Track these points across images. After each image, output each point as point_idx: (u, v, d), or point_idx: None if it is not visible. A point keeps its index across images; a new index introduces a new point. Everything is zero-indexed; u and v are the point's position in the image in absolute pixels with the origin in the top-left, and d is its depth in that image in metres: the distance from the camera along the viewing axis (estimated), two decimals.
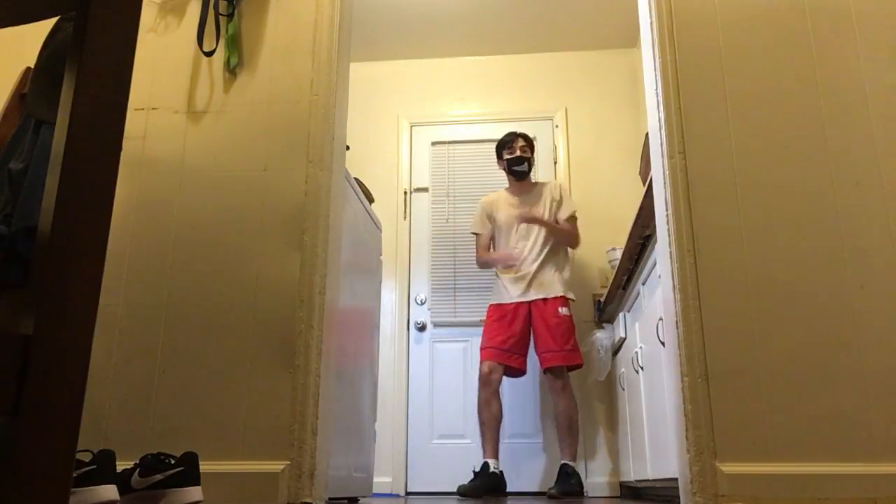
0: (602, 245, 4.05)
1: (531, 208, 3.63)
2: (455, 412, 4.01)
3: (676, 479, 1.80)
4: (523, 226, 3.59)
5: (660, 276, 2.07)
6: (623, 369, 3.41)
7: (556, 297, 3.51)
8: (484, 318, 3.68)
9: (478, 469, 3.37)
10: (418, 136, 4.59)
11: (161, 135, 2.17)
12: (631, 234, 2.83)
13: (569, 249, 3.70)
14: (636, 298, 3.04)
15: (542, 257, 3.55)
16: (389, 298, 4.12)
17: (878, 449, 1.64)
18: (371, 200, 3.14)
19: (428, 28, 4.38)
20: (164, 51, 2.27)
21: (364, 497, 2.77)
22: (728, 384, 1.71)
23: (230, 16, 2.25)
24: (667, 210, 1.88)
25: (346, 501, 2.49)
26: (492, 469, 3.34)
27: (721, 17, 1.99)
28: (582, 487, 3.37)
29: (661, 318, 2.13)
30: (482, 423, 3.43)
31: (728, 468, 1.65)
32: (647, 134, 2.32)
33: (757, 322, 1.75)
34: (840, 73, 1.91)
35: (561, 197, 3.70)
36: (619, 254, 3.26)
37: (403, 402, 4.08)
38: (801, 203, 1.83)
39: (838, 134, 1.87)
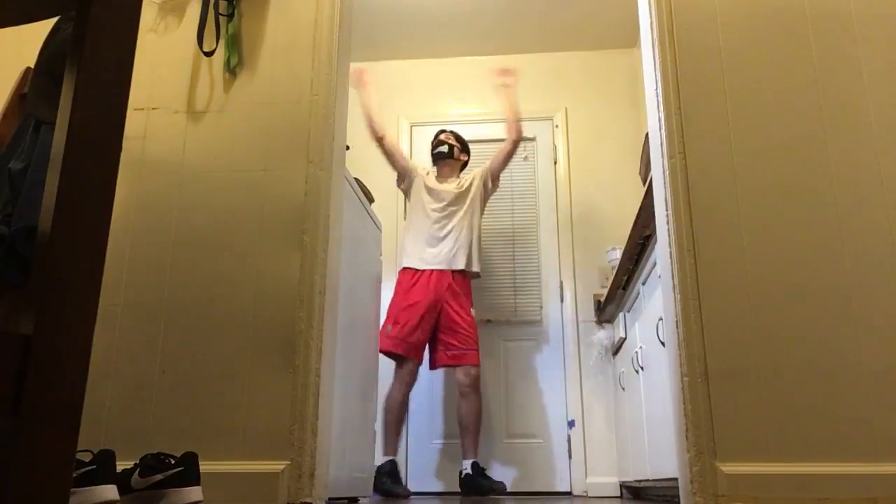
0: (602, 245, 4.05)
1: (448, 187, 3.70)
2: (454, 412, 4.00)
3: (676, 479, 1.80)
4: (439, 200, 3.66)
5: (660, 276, 2.07)
6: (623, 369, 3.41)
7: (468, 274, 3.62)
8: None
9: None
10: (418, 136, 4.58)
11: (161, 135, 2.17)
12: (631, 234, 2.83)
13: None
14: (636, 298, 3.04)
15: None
16: (389, 298, 4.11)
17: (878, 449, 1.64)
18: (371, 200, 3.14)
19: (428, 28, 4.38)
20: (164, 51, 2.26)
21: (364, 497, 2.77)
22: (728, 384, 1.71)
23: (230, 16, 2.25)
24: (667, 210, 1.88)
25: (346, 501, 2.49)
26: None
27: (721, 17, 1.99)
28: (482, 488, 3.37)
29: (661, 318, 2.13)
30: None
31: (728, 468, 1.65)
32: (647, 134, 2.32)
33: (757, 322, 1.75)
34: (840, 73, 1.91)
35: (479, 169, 3.81)
36: (619, 254, 3.27)
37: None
38: (801, 203, 1.83)
39: (838, 134, 1.87)
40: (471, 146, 4.13)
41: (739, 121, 1.90)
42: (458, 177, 3.81)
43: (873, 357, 1.70)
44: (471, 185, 3.71)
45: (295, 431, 1.86)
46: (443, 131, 3.91)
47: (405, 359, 3.46)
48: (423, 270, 3.56)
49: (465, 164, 3.89)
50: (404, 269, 3.64)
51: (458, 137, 3.88)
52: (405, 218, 4.40)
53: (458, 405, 3.50)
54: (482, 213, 3.76)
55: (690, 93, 1.93)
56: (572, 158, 4.39)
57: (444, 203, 3.64)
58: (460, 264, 3.54)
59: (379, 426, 3.29)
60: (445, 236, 3.58)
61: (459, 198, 3.66)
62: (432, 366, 3.59)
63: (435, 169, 3.86)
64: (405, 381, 3.45)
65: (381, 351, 3.39)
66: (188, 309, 2.00)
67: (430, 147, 3.93)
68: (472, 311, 3.58)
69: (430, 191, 3.70)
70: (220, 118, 2.18)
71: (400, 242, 3.86)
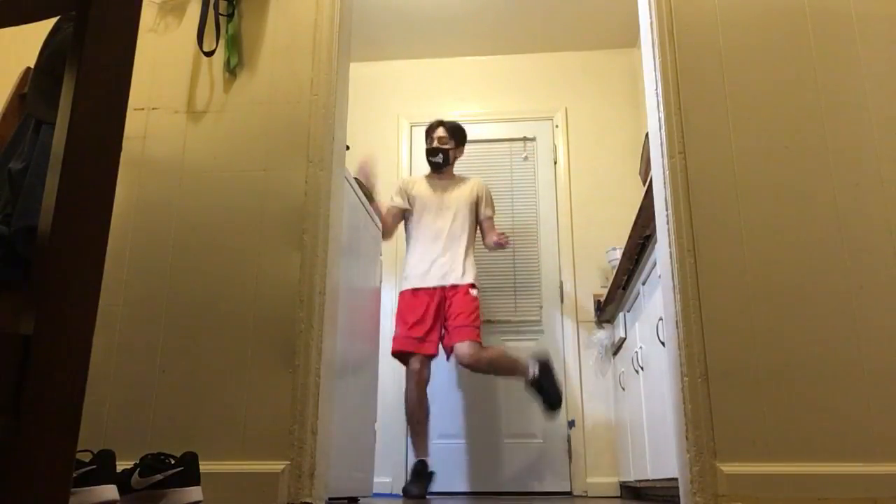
0: (602, 245, 4.05)
1: (445, 195, 3.63)
2: (454, 412, 4.01)
3: (676, 479, 1.80)
4: (437, 209, 3.59)
5: (660, 276, 2.07)
6: (623, 369, 3.41)
7: (467, 284, 3.50)
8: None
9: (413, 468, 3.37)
10: (418, 136, 4.58)
11: (161, 135, 2.17)
12: (631, 234, 2.83)
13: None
14: (636, 298, 3.04)
15: (454, 243, 3.54)
16: (389, 298, 4.12)
17: (878, 449, 1.64)
18: (371, 200, 3.14)
19: (428, 28, 4.38)
20: (164, 51, 2.26)
21: (364, 497, 2.77)
22: (728, 384, 1.71)
23: (230, 16, 2.25)
24: (667, 210, 1.88)
25: (346, 501, 2.49)
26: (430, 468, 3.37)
27: (721, 17, 1.99)
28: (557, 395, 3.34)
29: (661, 318, 2.13)
30: (418, 422, 3.39)
31: (728, 468, 1.65)
32: (647, 134, 2.32)
33: (757, 322, 1.75)
34: (840, 73, 1.91)
35: (486, 197, 3.71)
36: (619, 254, 3.27)
37: (403, 403, 4.07)
38: (801, 203, 1.83)
39: (838, 134, 1.87)
40: (471, 146, 4.12)
41: (739, 121, 1.90)
42: (454, 177, 3.72)
43: (873, 357, 1.70)
44: (476, 202, 3.66)
45: (295, 431, 1.86)
46: (439, 125, 3.73)
47: (410, 354, 3.39)
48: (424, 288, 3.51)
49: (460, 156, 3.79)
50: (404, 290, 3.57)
51: (452, 132, 3.71)
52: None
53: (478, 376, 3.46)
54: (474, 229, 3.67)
55: (690, 93, 1.93)
56: (572, 158, 4.39)
57: (443, 216, 3.59)
58: (453, 279, 3.48)
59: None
60: (443, 251, 3.52)
61: (455, 206, 3.61)
62: (447, 355, 3.48)
63: (424, 176, 3.78)
64: (413, 378, 3.37)
65: (392, 353, 3.43)
66: (188, 309, 2.00)
67: (425, 138, 3.78)
68: (473, 292, 3.47)
69: (426, 197, 3.63)
70: (220, 118, 2.18)
71: (402, 262, 3.73)
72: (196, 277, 2.02)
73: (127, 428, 1.91)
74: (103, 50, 0.58)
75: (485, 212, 3.68)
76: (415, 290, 3.50)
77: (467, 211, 3.61)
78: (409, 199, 3.66)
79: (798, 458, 1.65)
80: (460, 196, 3.63)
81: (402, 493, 3.30)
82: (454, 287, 3.47)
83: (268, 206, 2.06)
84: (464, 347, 3.35)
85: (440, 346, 3.46)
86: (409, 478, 3.41)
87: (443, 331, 3.47)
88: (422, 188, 3.68)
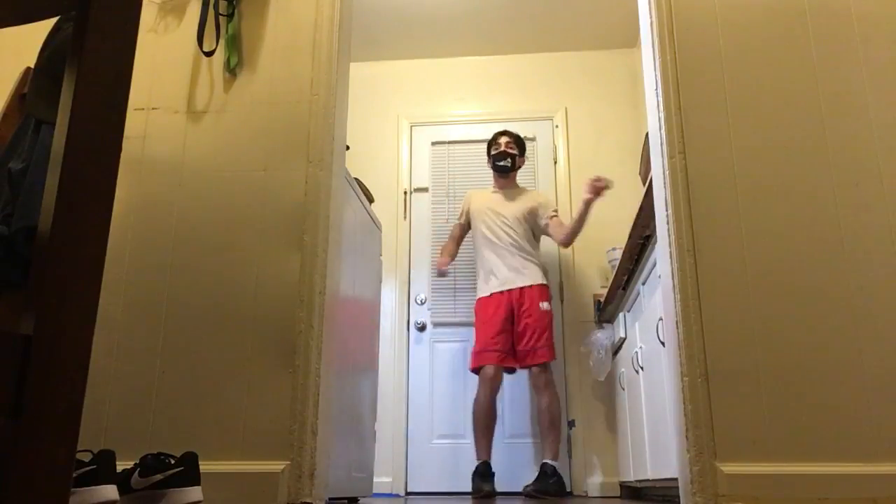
0: (602, 245, 4.05)
1: (505, 205, 3.73)
2: (455, 412, 4.01)
3: (676, 479, 1.80)
4: (497, 222, 3.69)
5: (660, 276, 2.07)
6: (623, 369, 3.41)
7: (539, 286, 3.60)
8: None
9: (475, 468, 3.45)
10: (418, 136, 4.58)
11: (161, 135, 2.17)
12: (631, 234, 2.83)
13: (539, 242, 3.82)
14: (636, 298, 3.04)
15: (519, 250, 3.64)
16: (389, 298, 4.12)
17: (878, 449, 1.64)
18: (371, 200, 3.14)
19: (428, 28, 4.38)
20: (164, 51, 2.27)
21: (364, 497, 2.77)
22: (728, 384, 1.71)
23: (230, 16, 2.25)
24: (667, 210, 1.88)
25: (346, 501, 2.49)
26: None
27: (721, 17, 1.99)
28: (563, 488, 3.40)
29: (661, 318, 2.13)
30: (486, 427, 3.48)
31: (728, 468, 1.65)
32: (647, 134, 2.32)
33: (757, 322, 1.75)
34: (840, 72, 1.91)
35: (545, 201, 3.83)
36: (619, 254, 3.26)
37: (403, 402, 4.08)
38: (801, 203, 1.83)
39: (838, 134, 1.87)
40: (471, 146, 4.14)
41: (739, 121, 1.90)
42: (517, 186, 3.83)
43: (873, 357, 1.70)
44: (532, 212, 3.74)
45: (295, 431, 1.86)
46: (502, 134, 3.82)
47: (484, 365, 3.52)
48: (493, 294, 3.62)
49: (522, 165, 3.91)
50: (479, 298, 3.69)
51: (517, 141, 3.83)
52: (405, 218, 4.40)
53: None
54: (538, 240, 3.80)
55: (690, 93, 1.93)
56: (572, 158, 4.39)
57: (509, 226, 3.68)
58: (521, 282, 3.60)
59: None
60: (508, 257, 3.62)
61: (521, 220, 3.71)
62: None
63: (489, 190, 3.88)
64: (486, 384, 3.48)
65: (471, 370, 3.61)
66: (188, 309, 2.00)
67: (487, 149, 3.87)
68: (544, 305, 3.58)
69: (484, 212, 3.74)
70: (220, 118, 2.17)
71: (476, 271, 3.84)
72: (196, 277, 2.02)
73: (127, 428, 1.90)
74: (103, 50, 0.58)
75: (545, 214, 3.75)
76: (486, 298, 3.62)
77: (527, 221, 3.72)
78: (469, 215, 3.82)
79: (798, 458, 1.65)
80: (520, 206, 3.73)
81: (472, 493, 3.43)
82: (523, 290, 3.57)
83: (268, 206, 2.06)
84: (538, 376, 3.49)
85: (514, 355, 3.56)
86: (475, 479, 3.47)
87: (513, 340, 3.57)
88: (482, 200, 3.79)
